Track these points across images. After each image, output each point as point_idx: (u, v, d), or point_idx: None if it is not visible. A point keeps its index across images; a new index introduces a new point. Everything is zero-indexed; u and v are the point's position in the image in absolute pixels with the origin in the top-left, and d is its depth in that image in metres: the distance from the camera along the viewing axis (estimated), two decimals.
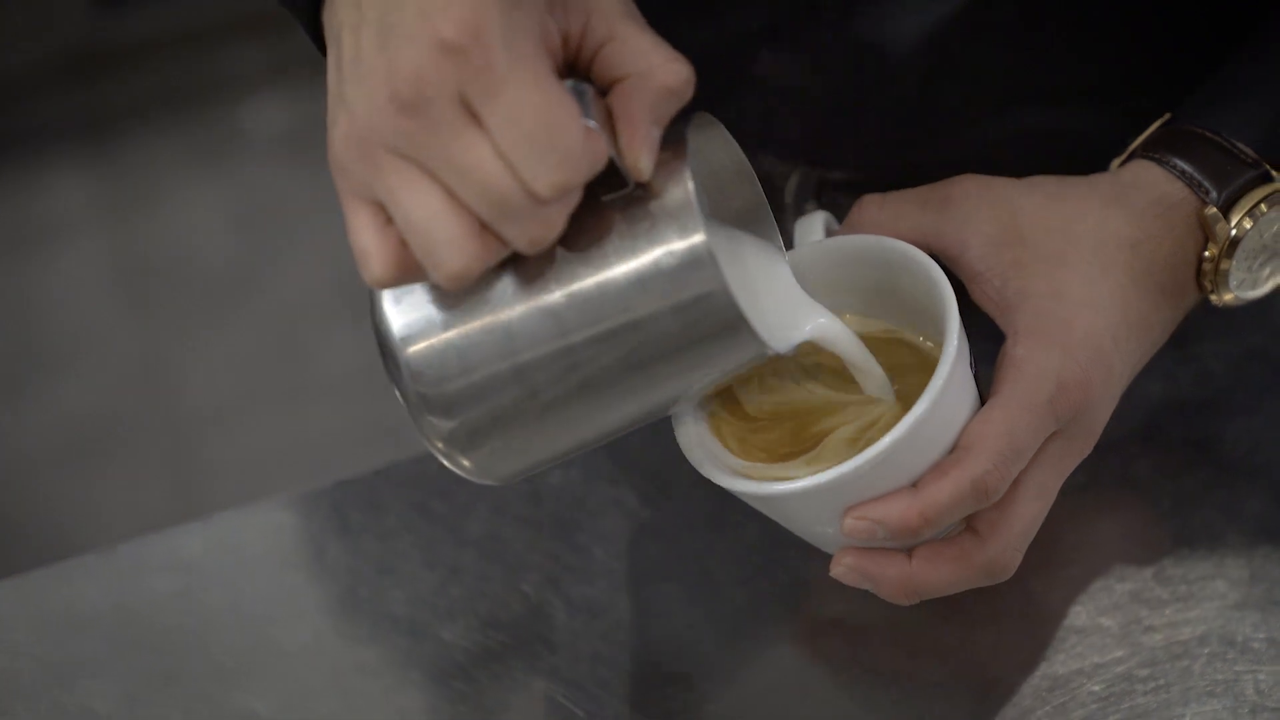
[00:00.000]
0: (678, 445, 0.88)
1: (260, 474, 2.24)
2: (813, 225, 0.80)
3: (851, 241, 0.78)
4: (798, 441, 0.76)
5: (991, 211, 0.77)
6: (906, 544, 0.74)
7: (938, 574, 0.74)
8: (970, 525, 0.75)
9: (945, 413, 0.72)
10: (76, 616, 0.87)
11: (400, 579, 0.87)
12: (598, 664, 0.84)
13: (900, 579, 0.75)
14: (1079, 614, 0.82)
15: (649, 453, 0.91)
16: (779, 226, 0.88)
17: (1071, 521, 0.82)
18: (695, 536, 0.88)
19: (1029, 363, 0.73)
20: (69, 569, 0.89)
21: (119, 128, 2.70)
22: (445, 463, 0.71)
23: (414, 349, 0.68)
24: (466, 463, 0.71)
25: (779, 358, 0.72)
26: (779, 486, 0.72)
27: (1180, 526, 0.85)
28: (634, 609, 0.86)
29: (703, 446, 0.76)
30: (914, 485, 0.72)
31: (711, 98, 0.89)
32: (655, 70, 0.66)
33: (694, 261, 0.66)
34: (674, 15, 0.85)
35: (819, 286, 0.78)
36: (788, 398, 0.79)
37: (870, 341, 0.77)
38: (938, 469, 0.72)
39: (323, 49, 0.69)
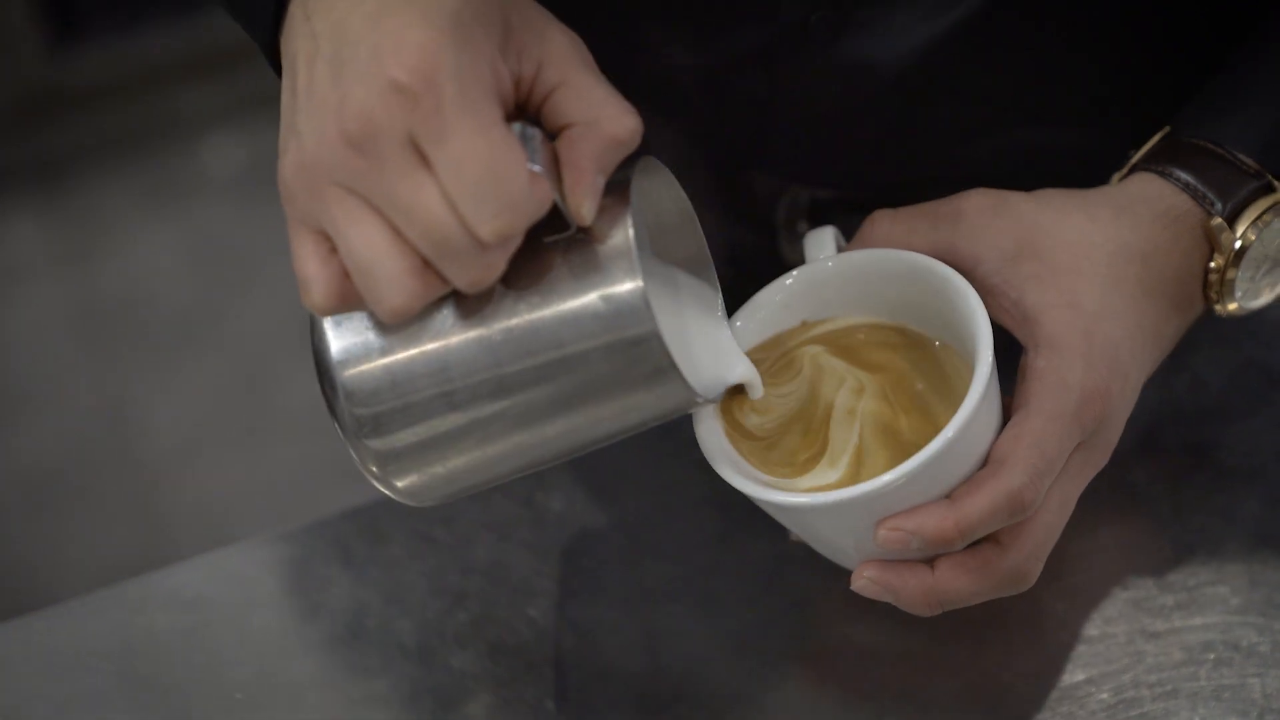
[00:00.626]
0: (678, 466, 0.89)
1: (228, 514, 2.23)
2: (823, 240, 0.81)
3: (874, 256, 0.79)
4: (813, 442, 0.77)
5: (1005, 225, 0.78)
6: (937, 554, 0.75)
7: (961, 583, 0.75)
8: (992, 535, 0.75)
9: (979, 426, 0.72)
10: (83, 655, 0.87)
11: (407, 608, 0.88)
12: (608, 685, 0.84)
13: (923, 590, 0.75)
14: (1085, 623, 0.83)
15: (650, 475, 0.92)
16: (770, 246, 0.89)
17: (1074, 531, 0.82)
18: (700, 556, 0.88)
19: (1053, 374, 0.74)
20: (74, 608, 0.89)
21: (75, 170, 2.69)
22: (377, 485, 0.73)
23: (350, 372, 0.70)
24: (399, 484, 0.72)
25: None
26: (812, 499, 0.73)
27: (1180, 533, 0.85)
28: (642, 630, 0.86)
29: (730, 461, 0.76)
30: (948, 497, 0.73)
31: (704, 119, 0.90)
32: (604, 120, 0.67)
33: (629, 307, 0.67)
34: (666, 39, 0.86)
35: (839, 300, 0.78)
36: (784, 409, 0.79)
37: (887, 341, 0.79)
38: (974, 482, 0.73)
39: (280, 74, 0.70)
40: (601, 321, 0.67)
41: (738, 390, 0.77)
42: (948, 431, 0.71)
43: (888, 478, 0.71)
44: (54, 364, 2.47)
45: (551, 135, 0.67)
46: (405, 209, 0.63)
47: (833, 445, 0.77)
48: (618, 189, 0.68)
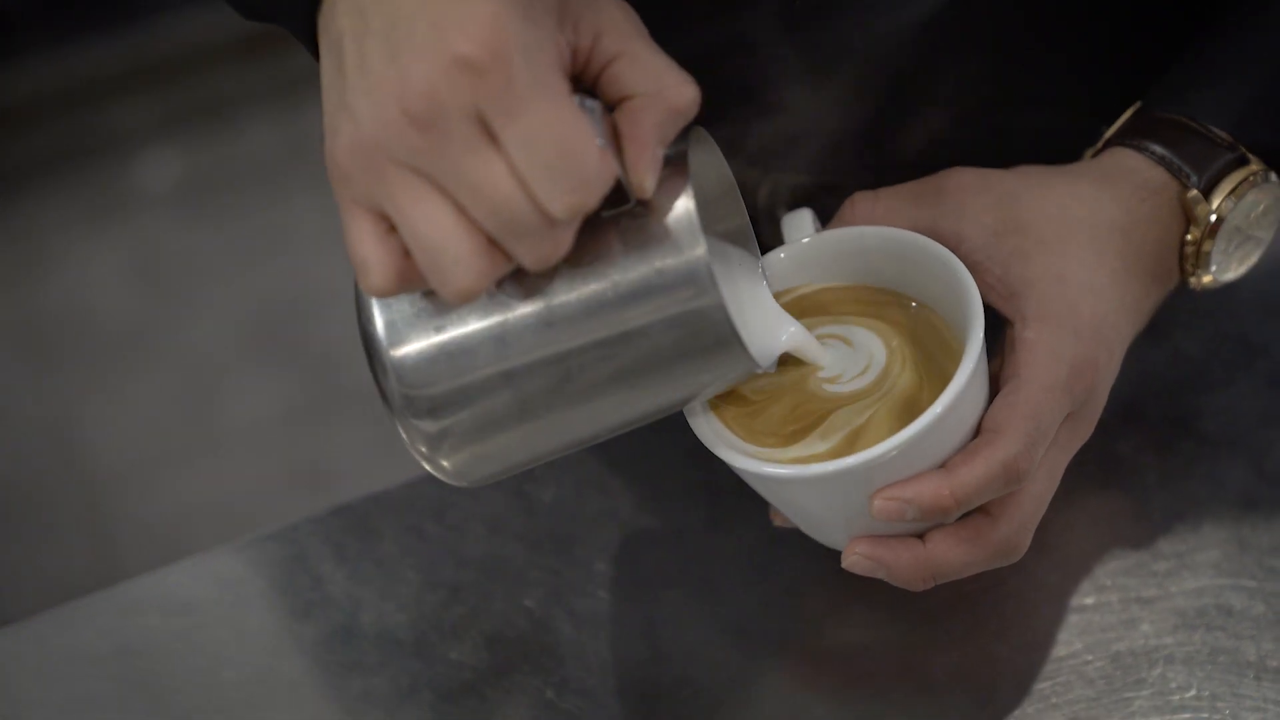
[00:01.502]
0: (667, 454, 0.89)
1: (178, 528, 2.22)
2: (802, 221, 0.82)
3: (856, 232, 0.79)
4: (801, 417, 0.77)
5: (987, 202, 0.78)
6: (931, 525, 0.75)
7: (953, 555, 0.75)
8: (983, 506, 0.76)
9: (973, 395, 0.73)
10: (80, 659, 0.87)
11: (403, 603, 0.87)
12: (607, 673, 0.84)
13: (916, 563, 0.76)
14: (1078, 593, 0.84)
15: (640, 462, 0.92)
16: (752, 233, 0.89)
17: (1063, 503, 0.83)
18: (693, 542, 0.89)
19: (1043, 346, 0.75)
20: (69, 612, 0.88)
21: (11, 186, 2.67)
22: (425, 465, 0.72)
23: (402, 351, 0.69)
24: (447, 464, 0.72)
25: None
26: (808, 469, 0.73)
27: (1168, 502, 0.86)
28: (638, 617, 0.86)
29: (720, 437, 0.76)
30: (942, 467, 0.73)
31: None
32: (666, 91, 0.66)
33: (693, 280, 0.67)
34: (649, 27, 0.86)
35: (824, 278, 0.79)
36: (778, 377, 0.79)
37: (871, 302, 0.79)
38: (969, 451, 0.73)
39: (315, 52, 0.69)
40: (665, 294, 0.67)
41: None
42: (942, 400, 0.72)
43: (883, 447, 0.72)
44: None
45: (609, 107, 0.67)
46: (472, 187, 0.62)
47: (825, 427, 0.77)
48: (675, 161, 0.68)
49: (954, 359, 0.75)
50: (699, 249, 0.67)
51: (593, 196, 0.63)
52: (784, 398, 0.77)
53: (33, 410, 2.40)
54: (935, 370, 0.76)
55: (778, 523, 0.83)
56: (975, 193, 0.79)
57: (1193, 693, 0.79)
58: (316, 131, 0.66)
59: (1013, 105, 0.90)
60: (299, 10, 0.69)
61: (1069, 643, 0.82)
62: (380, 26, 0.63)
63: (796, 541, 0.83)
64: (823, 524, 0.79)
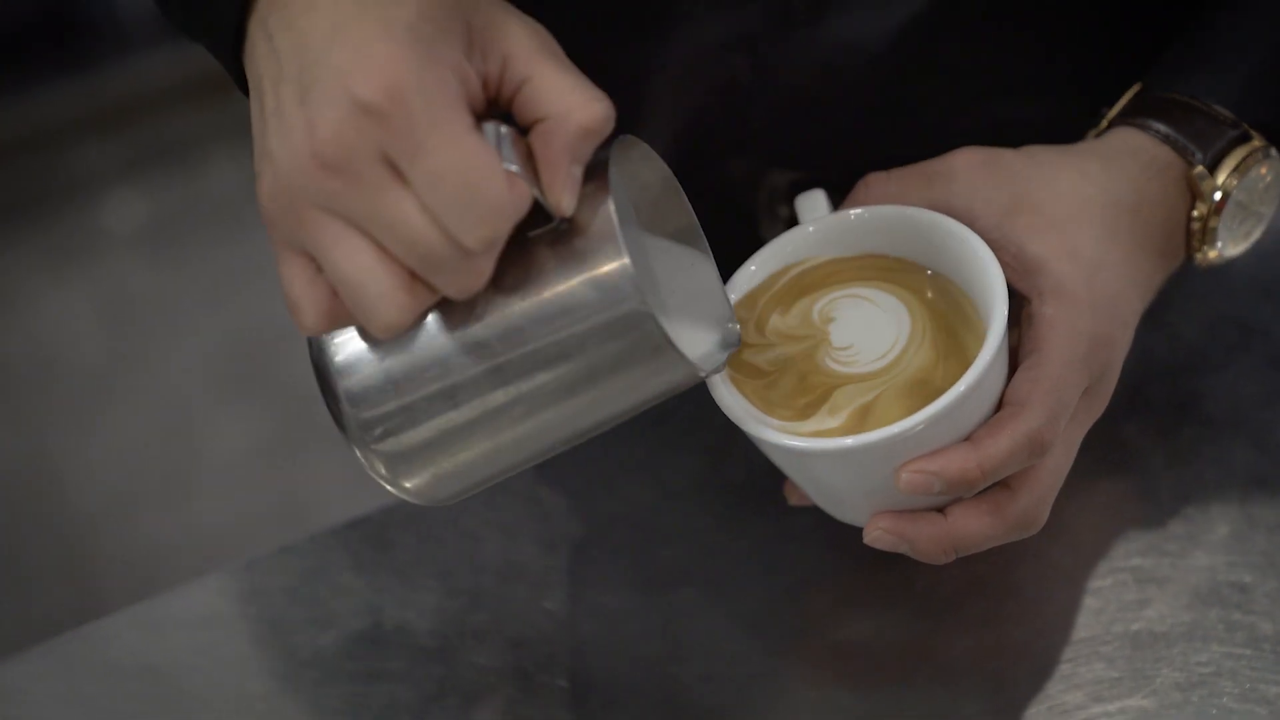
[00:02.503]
0: (676, 454, 0.90)
1: (157, 566, 2.21)
2: (816, 202, 0.83)
3: (876, 212, 0.80)
4: (808, 389, 0.78)
5: (999, 180, 0.79)
6: (953, 498, 0.76)
7: (974, 527, 0.76)
8: (1002, 480, 0.77)
9: (997, 371, 0.74)
10: (107, 676, 0.87)
11: (423, 610, 0.88)
12: (630, 669, 0.85)
13: (937, 536, 0.76)
14: (1092, 575, 0.85)
15: (650, 464, 0.93)
16: (750, 233, 0.90)
17: (1073, 487, 0.84)
18: (707, 539, 0.89)
19: (1063, 321, 0.76)
20: (94, 631, 0.89)
21: None
22: (388, 488, 0.73)
23: (351, 379, 0.70)
24: (409, 485, 0.73)
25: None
26: (835, 443, 0.74)
27: (1175, 483, 0.88)
28: (658, 614, 0.87)
29: (745, 411, 0.77)
30: (967, 439, 0.74)
31: (686, 106, 0.91)
32: (573, 111, 0.67)
33: (619, 289, 0.68)
34: (647, 28, 0.88)
35: (840, 252, 0.80)
36: (785, 349, 0.80)
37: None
38: (994, 424, 0.74)
39: (247, 94, 0.70)
40: (594, 307, 0.68)
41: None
42: (970, 374, 0.73)
43: (909, 422, 0.73)
44: None
45: (525, 129, 0.67)
46: (387, 225, 0.63)
47: (832, 402, 0.77)
48: (596, 173, 0.68)
49: (971, 327, 0.76)
50: (620, 259, 0.68)
51: (504, 225, 0.64)
52: (793, 368, 0.78)
53: (4, 452, 2.39)
54: (953, 342, 0.77)
55: (794, 501, 0.84)
56: (987, 172, 0.80)
57: (1212, 668, 0.80)
58: None
59: (1009, 96, 0.91)
60: (226, 52, 0.70)
61: (1086, 624, 0.83)
62: (293, 71, 0.64)
63: (808, 536, 0.84)
64: (844, 498, 0.79)
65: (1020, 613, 0.84)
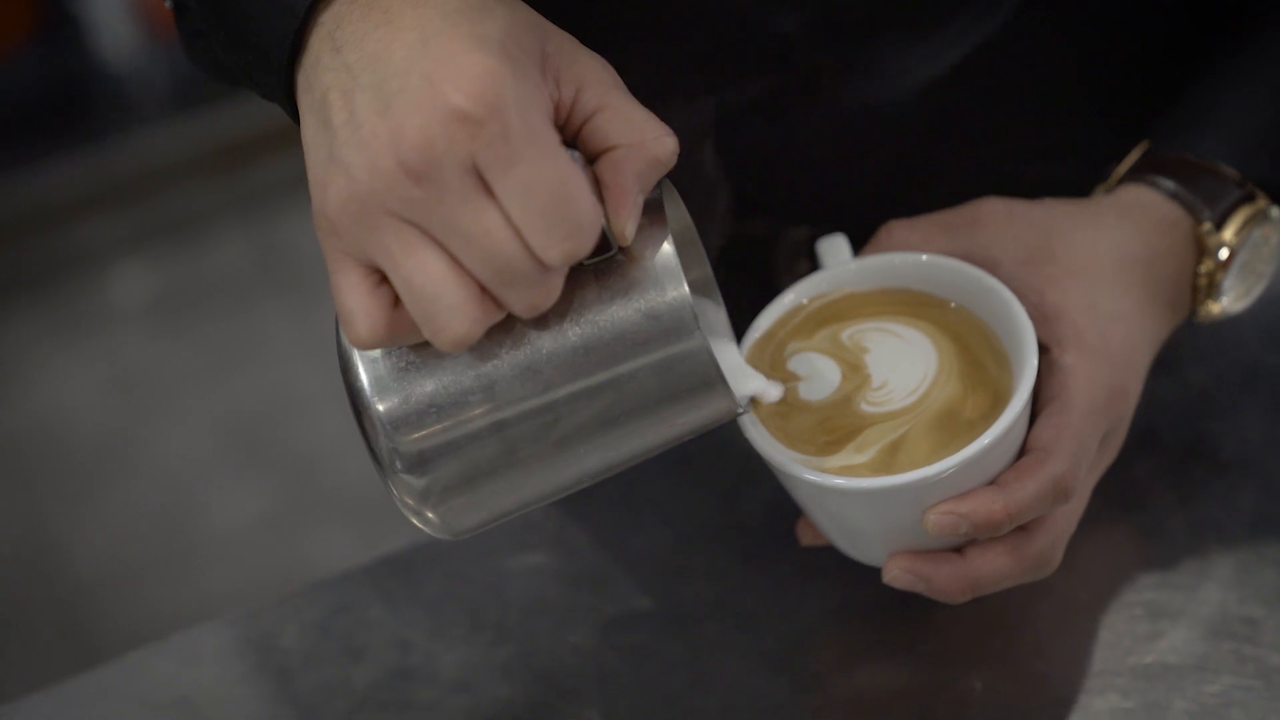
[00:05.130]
0: (698, 494, 0.92)
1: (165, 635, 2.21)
2: (838, 247, 0.85)
3: (902, 258, 0.83)
4: (831, 430, 0.79)
5: (1019, 230, 0.82)
6: (969, 541, 0.78)
7: (991, 567, 0.78)
8: None
9: (1023, 419, 0.76)
10: (142, 708, 0.89)
11: (451, 643, 0.89)
12: (655, 703, 0.86)
13: (955, 576, 0.78)
14: (1108, 610, 0.87)
15: (673, 504, 0.95)
16: (770, 288, 0.91)
17: (1089, 525, 0.86)
18: (729, 577, 0.91)
19: (1083, 371, 0.78)
20: (128, 664, 0.91)
21: None
22: (411, 518, 0.73)
23: (389, 404, 0.70)
24: (433, 516, 0.72)
25: None
26: (865, 482, 0.75)
27: (1186, 521, 0.90)
28: (682, 650, 0.88)
29: (773, 447, 0.78)
30: (993, 484, 0.76)
31: (709, 166, 0.93)
32: (647, 142, 0.68)
33: (677, 323, 0.69)
34: (674, 89, 0.89)
35: (868, 300, 0.82)
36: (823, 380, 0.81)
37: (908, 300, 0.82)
38: (1020, 468, 0.76)
39: (290, 111, 0.70)
40: (650, 337, 0.69)
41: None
42: (1001, 424, 0.75)
43: (940, 466, 0.74)
44: None
45: (590, 159, 0.69)
46: (467, 236, 0.63)
47: (860, 440, 0.79)
48: (651, 209, 0.70)
49: (997, 357, 0.78)
50: (682, 291, 0.69)
51: (587, 243, 0.64)
52: (824, 407, 0.80)
53: (9, 525, 2.40)
54: (980, 374, 0.79)
55: (806, 541, 0.85)
56: (1008, 222, 0.82)
57: (1223, 699, 0.82)
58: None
59: (1025, 159, 0.93)
60: (275, 67, 0.69)
61: (1101, 657, 0.85)
62: (370, 82, 0.64)
63: (828, 572, 0.85)
64: (862, 536, 0.81)
65: (1037, 646, 0.86)
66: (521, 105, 0.63)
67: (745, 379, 0.79)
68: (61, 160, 2.72)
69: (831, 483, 0.76)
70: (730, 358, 0.80)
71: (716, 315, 0.80)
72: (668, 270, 0.69)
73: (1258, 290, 0.88)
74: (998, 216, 0.82)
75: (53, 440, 2.51)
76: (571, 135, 0.69)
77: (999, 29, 0.89)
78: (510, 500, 0.73)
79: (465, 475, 0.71)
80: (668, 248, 0.69)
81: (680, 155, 0.87)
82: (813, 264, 0.91)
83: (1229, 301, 0.86)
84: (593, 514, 0.94)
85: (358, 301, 0.65)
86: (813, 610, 0.89)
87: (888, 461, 0.77)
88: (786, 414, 0.80)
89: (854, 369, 0.80)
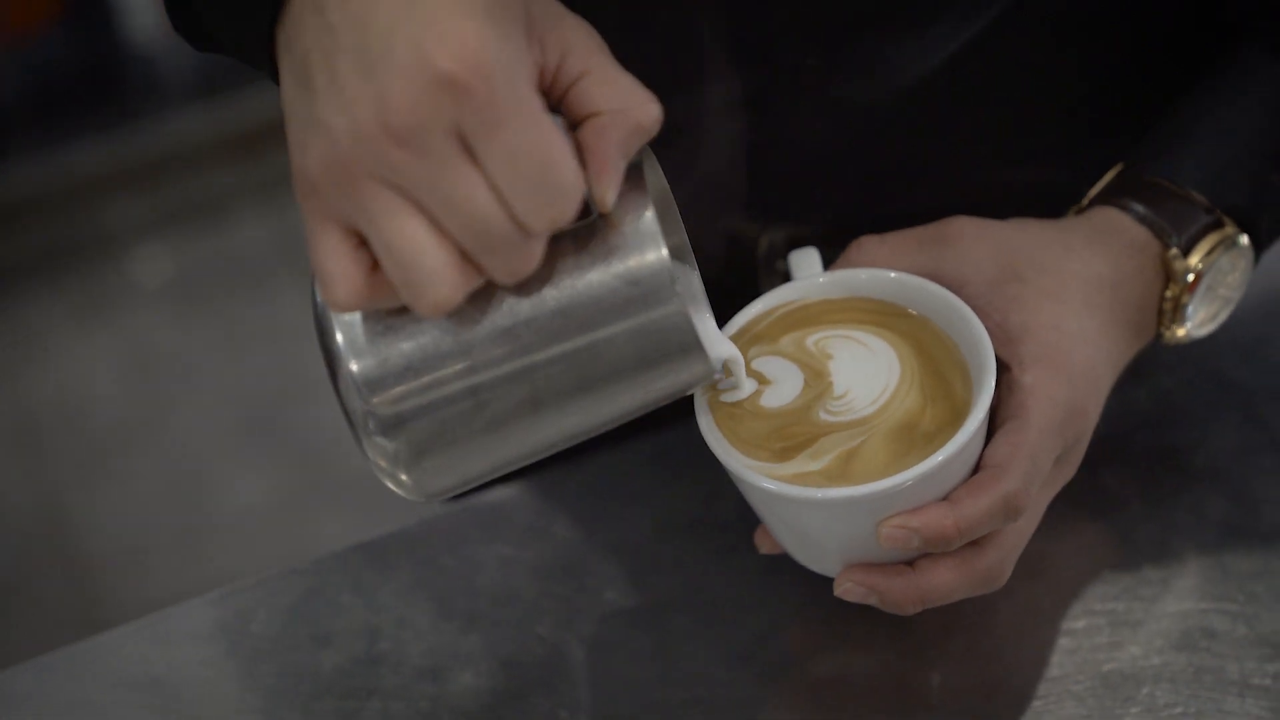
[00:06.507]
0: (672, 489, 0.92)
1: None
2: (810, 260, 0.85)
3: (870, 274, 0.83)
4: (789, 436, 0.79)
5: (988, 250, 0.82)
6: (919, 555, 0.79)
7: (941, 580, 0.79)
8: None
9: (980, 435, 0.77)
10: (113, 688, 0.90)
11: (419, 631, 0.90)
12: (620, 694, 0.87)
13: (907, 588, 0.79)
14: (1069, 616, 0.87)
15: (647, 498, 0.95)
16: (749, 285, 0.92)
17: (1055, 532, 0.87)
18: (699, 571, 0.92)
19: (1042, 390, 0.78)
20: (101, 644, 0.91)
21: (4, 285, 2.70)
22: (384, 479, 0.73)
23: (363, 366, 0.70)
24: (406, 479, 0.72)
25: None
26: (821, 493, 0.76)
27: (1153, 531, 0.90)
28: (648, 642, 0.89)
29: (728, 452, 0.79)
30: (946, 499, 0.77)
31: (693, 160, 0.93)
32: (631, 108, 0.68)
33: (656, 288, 0.69)
34: (657, 83, 0.90)
35: (836, 307, 0.83)
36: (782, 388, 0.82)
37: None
38: (973, 485, 0.77)
39: (269, 73, 0.70)
40: (629, 302, 0.69)
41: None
42: (959, 437, 0.75)
43: (896, 480, 0.75)
44: None
45: (573, 124, 0.68)
46: (449, 201, 0.62)
47: (816, 447, 0.79)
48: (631, 175, 0.70)
49: (958, 368, 0.79)
50: (662, 256, 0.69)
51: (570, 210, 0.64)
52: (783, 414, 0.80)
53: (24, 501, 2.42)
54: (941, 386, 0.80)
55: (764, 550, 0.86)
56: (977, 241, 0.83)
57: (1179, 709, 0.83)
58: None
59: (1009, 162, 0.94)
60: (257, 27, 0.69)
61: (1061, 664, 0.85)
62: (353, 43, 0.63)
63: (796, 571, 0.86)
64: (816, 546, 0.82)
65: (997, 650, 0.87)
66: (507, 70, 0.62)
67: (720, 344, 0.79)
68: (85, 142, 2.74)
69: (785, 491, 0.76)
70: (706, 323, 0.79)
71: (692, 281, 0.80)
72: (648, 236, 0.69)
73: (1223, 315, 0.88)
74: (968, 235, 0.83)
75: (71, 417, 2.53)
76: (556, 100, 0.69)
77: (985, 30, 0.89)
78: (484, 463, 0.73)
79: (439, 438, 0.71)
80: (649, 214, 0.69)
81: (663, 145, 0.88)
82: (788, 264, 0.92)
83: (1194, 326, 0.87)
84: (566, 505, 0.95)
85: (337, 264, 0.65)
86: (779, 607, 0.90)
87: (843, 469, 0.77)
88: (745, 419, 0.80)
89: (817, 375, 0.81)
